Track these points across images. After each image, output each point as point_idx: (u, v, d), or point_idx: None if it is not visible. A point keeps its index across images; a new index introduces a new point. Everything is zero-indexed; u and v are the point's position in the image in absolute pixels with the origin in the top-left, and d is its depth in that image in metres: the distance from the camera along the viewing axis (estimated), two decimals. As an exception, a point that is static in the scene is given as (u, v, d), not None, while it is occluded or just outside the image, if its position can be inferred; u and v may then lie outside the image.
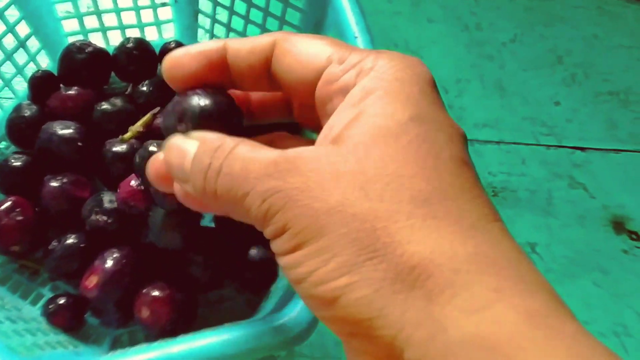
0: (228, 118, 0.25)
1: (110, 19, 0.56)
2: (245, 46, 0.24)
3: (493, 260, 0.18)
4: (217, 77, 0.25)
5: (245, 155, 0.20)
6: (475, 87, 0.65)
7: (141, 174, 0.41)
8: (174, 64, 0.25)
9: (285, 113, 0.28)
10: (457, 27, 0.70)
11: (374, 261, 0.18)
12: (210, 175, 0.21)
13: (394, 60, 0.21)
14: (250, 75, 0.25)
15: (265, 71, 0.24)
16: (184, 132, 0.24)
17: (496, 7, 0.72)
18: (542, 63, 0.68)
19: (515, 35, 0.70)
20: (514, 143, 0.61)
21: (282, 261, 0.20)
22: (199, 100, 0.24)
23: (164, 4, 0.57)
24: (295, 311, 0.30)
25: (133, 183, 0.41)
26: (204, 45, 0.25)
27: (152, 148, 0.40)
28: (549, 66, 0.67)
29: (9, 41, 0.50)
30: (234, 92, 0.27)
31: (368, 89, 0.21)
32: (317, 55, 0.23)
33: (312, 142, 0.24)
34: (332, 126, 0.21)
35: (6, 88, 0.51)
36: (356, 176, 0.19)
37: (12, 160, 0.46)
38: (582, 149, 0.61)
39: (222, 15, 0.54)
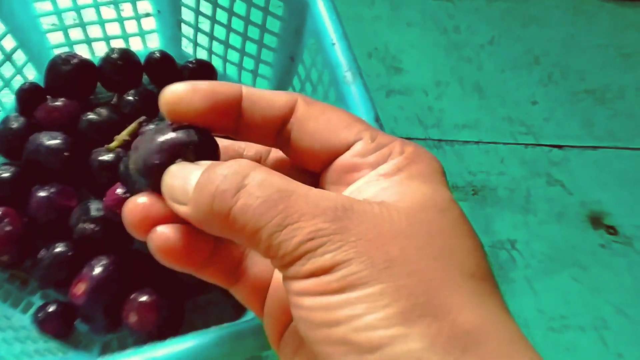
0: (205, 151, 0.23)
1: (95, 31, 0.57)
2: (264, 98, 0.24)
3: (526, 342, 0.19)
4: (225, 120, 0.24)
5: (281, 185, 0.20)
6: (455, 89, 0.66)
7: (126, 182, 0.42)
8: (177, 99, 0.23)
9: None
10: (436, 31, 0.71)
11: (428, 319, 0.18)
12: (225, 189, 0.20)
13: (419, 149, 0.23)
14: (262, 127, 0.24)
15: (278, 127, 0.24)
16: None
17: (474, 10, 0.74)
18: (520, 64, 0.69)
19: (492, 38, 0.71)
20: (493, 143, 0.62)
21: (312, 301, 0.19)
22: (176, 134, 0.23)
23: (147, 15, 0.58)
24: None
25: (119, 191, 0.42)
26: (217, 85, 0.23)
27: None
28: (527, 67, 0.69)
29: (-5, 55, 0.51)
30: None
31: (400, 167, 0.22)
32: (346, 127, 0.23)
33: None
34: (360, 189, 0.22)
35: (-7, 101, 0.52)
36: (412, 238, 0.20)
37: (1, 172, 0.46)
38: (559, 146, 0.62)
39: (205, 24, 0.55)
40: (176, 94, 0.23)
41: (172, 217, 0.22)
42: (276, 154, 0.27)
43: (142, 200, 0.23)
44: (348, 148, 0.23)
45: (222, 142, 0.26)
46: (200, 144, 0.23)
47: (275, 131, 0.24)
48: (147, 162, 0.23)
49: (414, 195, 0.21)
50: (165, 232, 0.22)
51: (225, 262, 0.25)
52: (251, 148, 0.27)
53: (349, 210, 0.20)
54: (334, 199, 0.20)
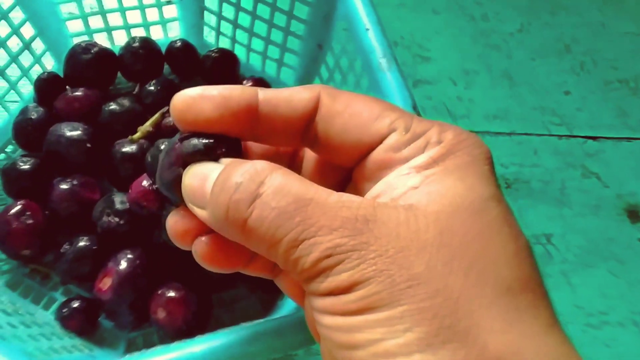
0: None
1: (115, 19, 0.55)
2: (283, 100, 0.22)
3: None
4: (240, 128, 0.22)
5: (299, 193, 0.19)
6: (484, 78, 0.64)
7: (152, 173, 0.41)
8: (189, 106, 0.21)
9: (287, 166, 0.27)
10: (463, 18, 0.69)
11: (454, 344, 0.16)
12: (239, 198, 0.19)
13: (461, 135, 0.21)
14: (284, 129, 0.22)
15: (302, 127, 0.22)
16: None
17: (501, -4, 0.72)
18: (550, 52, 0.67)
19: (521, 25, 0.69)
20: (525, 134, 0.60)
21: (332, 320, 0.18)
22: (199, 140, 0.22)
23: (169, 2, 0.56)
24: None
25: (145, 183, 0.41)
26: (228, 90, 0.22)
27: (163, 147, 0.39)
28: (557, 55, 0.67)
29: (14, 43, 0.49)
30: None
31: (437, 159, 0.20)
32: (377, 119, 0.21)
33: None
34: (390, 184, 0.20)
35: (12, 91, 0.51)
36: (440, 249, 0.18)
37: (20, 164, 0.45)
38: (593, 138, 0.61)
39: (229, 11, 0.54)
40: (185, 101, 0.22)
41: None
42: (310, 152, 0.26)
43: (180, 213, 0.23)
44: (381, 141, 0.21)
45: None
46: (207, 149, 0.21)
47: (299, 133, 0.23)
48: (163, 178, 0.23)
49: (446, 196, 0.19)
50: (206, 242, 0.23)
51: (265, 258, 0.23)
52: None
53: (370, 221, 0.18)
54: (355, 207, 0.18)
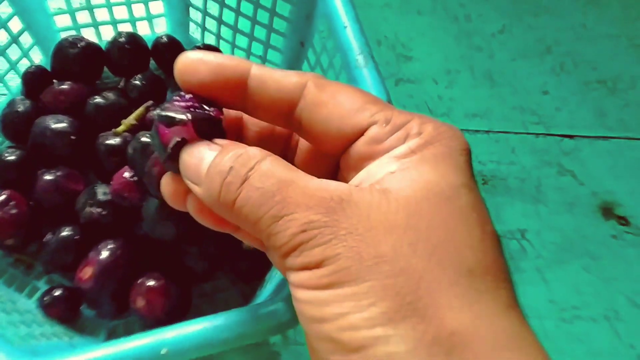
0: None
1: (102, 14, 0.56)
2: (273, 79, 0.23)
3: (526, 342, 0.18)
4: (230, 97, 0.23)
5: (282, 175, 0.20)
6: (465, 78, 0.65)
7: (134, 165, 0.41)
8: (188, 67, 0.23)
9: (281, 149, 0.28)
10: (446, 19, 0.70)
11: (414, 320, 0.17)
12: (231, 181, 0.20)
13: (440, 127, 0.21)
14: (270, 110, 0.24)
15: (287, 111, 0.23)
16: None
17: (484, -2, 0.73)
18: (531, 53, 0.68)
19: (503, 26, 0.70)
20: (504, 132, 0.61)
21: (305, 294, 0.19)
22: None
23: (155, -1, 0.57)
24: (288, 296, 0.30)
25: (126, 175, 0.42)
26: (225, 59, 0.23)
27: (144, 139, 0.40)
28: (538, 56, 0.68)
29: (2, 37, 0.50)
30: (229, 113, 0.26)
31: (415, 149, 0.21)
32: (359, 111, 0.22)
33: None
34: (370, 172, 0.21)
35: (0, 84, 0.51)
36: (407, 231, 0.19)
37: (6, 155, 0.46)
38: (570, 136, 0.62)
39: (214, 8, 0.54)
40: (185, 62, 0.23)
41: None
42: None
43: (172, 175, 0.24)
44: (362, 133, 0.22)
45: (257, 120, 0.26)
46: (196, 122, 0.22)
47: (283, 114, 0.24)
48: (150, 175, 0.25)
49: (418, 182, 0.20)
50: (198, 201, 0.23)
51: None
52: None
53: (344, 200, 0.19)
54: (332, 189, 0.20)
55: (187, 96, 0.23)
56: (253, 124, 0.27)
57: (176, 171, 0.23)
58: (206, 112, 0.23)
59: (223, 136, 0.23)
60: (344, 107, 0.22)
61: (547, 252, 0.54)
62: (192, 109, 0.23)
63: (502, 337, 0.18)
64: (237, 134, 0.27)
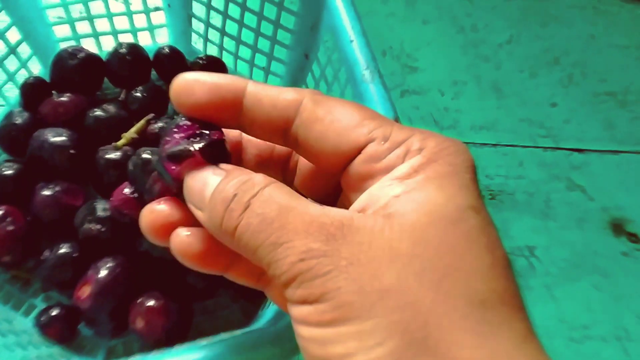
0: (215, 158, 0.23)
1: (102, 24, 0.55)
2: (268, 97, 0.22)
3: None
4: (225, 115, 0.23)
5: (283, 202, 0.19)
6: (472, 89, 0.64)
7: (135, 181, 0.40)
8: (183, 89, 0.22)
9: (281, 171, 0.27)
10: (453, 28, 0.69)
11: (425, 359, 0.16)
12: (233, 208, 0.20)
13: (444, 142, 0.20)
14: (266, 127, 0.23)
15: (283, 129, 0.22)
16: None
17: (491, 7, 0.72)
18: (539, 64, 0.67)
19: (511, 36, 0.69)
20: (511, 145, 0.60)
21: (307, 331, 0.18)
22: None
23: (157, 9, 0.56)
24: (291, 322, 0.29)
25: (126, 191, 0.41)
26: (221, 79, 0.22)
27: (145, 155, 0.39)
28: (546, 67, 0.67)
29: (0, 47, 0.49)
30: (227, 135, 0.25)
31: (417, 168, 0.20)
32: (356, 127, 0.21)
33: None
34: (373, 196, 0.20)
35: (-3, 95, 0.51)
36: (412, 260, 0.18)
37: (3, 169, 0.45)
38: (580, 150, 0.61)
39: (216, 19, 0.54)
40: (181, 84, 0.22)
41: (191, 222, 0.22)
42: None
43: (160, 207, 0.23)
44: (359, 151, 0.21)
45: (255, 141, 0.26)
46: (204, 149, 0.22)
47: (280, 132, 0.23)
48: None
49: (424, 205, 0.19)
50: (186, 236, 0.22)
51: (251, 265, 0.24)
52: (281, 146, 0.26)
53: (345, 226, 0.18)
54: (333, 215, 0.19)
55: (185, 123, 0.22)
56: (252, 146, 0.26)
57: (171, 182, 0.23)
58: (209, 137, 0.22)
59: (228, 157, 0.23)
60: (341, 124, 0.21)
61: (556, 269, 0.53)
62: (194, 137, 0.22)
63: None
64: (237, 156, 0.26)
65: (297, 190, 0.22)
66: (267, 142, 0.26)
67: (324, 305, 0.18)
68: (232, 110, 0.22)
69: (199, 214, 0.21)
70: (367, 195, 0.20)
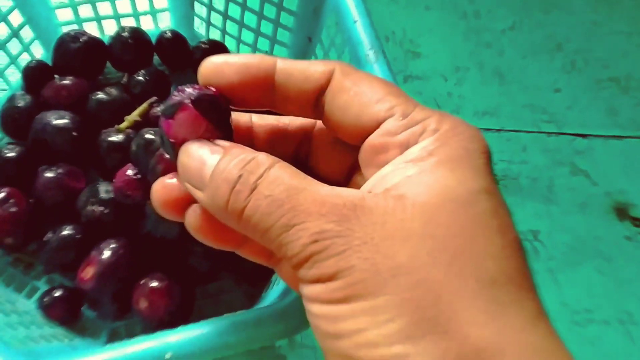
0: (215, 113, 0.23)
1: (105, 8, 0.55)
2: (298, 70, 0.23)
3: (556, 355, 0.17)
4: (258, 94, 0.23)
5: (292, 183, 0.19)
6: (474, 75, 0.64)
7: (138, 162, 0.40)
8: (212, 71, 0.23)
9: (293, 152, 0.27)
10: (455, 15, 0.69)
11: (435, 336, 0.16)
12: (240, 189, 0.19)
13: (459, 127, 0.20)
14: (298, 100, 0.23)
15: (314, 100, 0.23)
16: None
17: (494, -6, 0.72)
18: (541, 50, 0.67)
19: (513, 23, 0.69)
20: (515, 131, 0.60)
21: (319, 309, 0.18)
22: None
23: (159, -8, 0.56)
24: (295, 300, 0.29)
25: (129, 172, 0.41)
26: (249, 58, 0.23)
27: (148, 136, 0.39)
28: (548, 53, 0.67)
29: (2, 31, 0.49)
30: (239, 120, 0.26)
31: (431, 151, 0.20)
32: (378, 102, 0.21)
33: None
34: (385, 177, 0.20)
35: (-1, 78, 0.50)
36: (425, 239, 0.18)
37: (6, 151, 0.45)
38: (583, 135, 0.60)
39: (219, 3, 0.53)
40: (211, 66, 0.23)
41: None
42: (322, 126, 0.26)
43: (171, 181, 0.23)
44: (378, 125, 0.21)
45: (267, 120, 0.26)
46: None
47: (311, 103, 0.23)
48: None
49: (435, 188, 0.19)
50: (197, 212, 0.23)
51: None
52: (295, 122, 0.26)
53: (358, 207, 0.18)
54: (344, 195, 0.19)
55: (185, 86, 0.22)
56: (263, 130, 0.26)
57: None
58: (204, 91, 0.22)
59: (225, 115, 0.23)
60: (365, 96, 0.21)
61: (559, 254, 0.53)
62: (191, 93, 0.22)
63: (530, 352, 0.17)
64: (249, 142, 0.26)
65: (311, 171, 0.22)
66: (279, 125, 0.26)
67: (336, 283, 0.18)
68: (263, 88, 0.23)
69: (197, 194, 0.21)
70: (378, 177, 0.21)
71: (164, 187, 0.23)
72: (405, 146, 0.20)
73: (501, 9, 0.70)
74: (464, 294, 0.17)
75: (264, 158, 0.20)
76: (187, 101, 0.22)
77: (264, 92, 0.23)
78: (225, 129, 0.23)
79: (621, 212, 0.56)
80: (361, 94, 0.22)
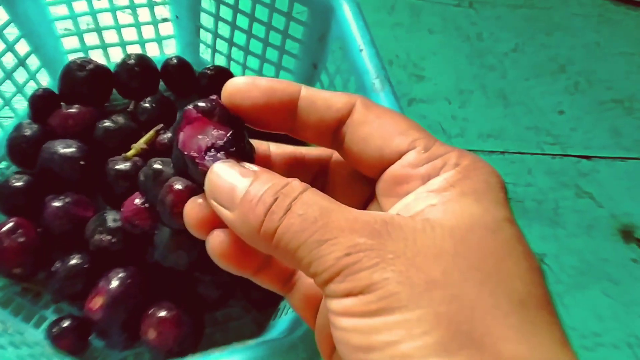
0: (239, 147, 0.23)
1: (110, 36, 0.56)
2: (322, 99, 0.23)
3: None
4: (280, 117, 0.24)
5: (324, 204, 0.20)
6: (478, 98, 0.64)
7: (146, 192, 0.40)
8: (239, 91, 0.23)
9: (308, 181, 0.28)
10: (458, 38, 0.69)
11: (470, 350, 0.16)
12: (274, 210, 0.20)
13: (478, 162, 0.21)
14: (318, 128, 0.24)
15: (334, 129, 0.24)
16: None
17: (496, 17, 0.72)
18: (544, 72, 0.67)
19: (516, 45, 0.69)
20: (519, 153, 0.60)
21: (349, 322, 0.18)
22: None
23: (165, 20, 0.56)
24: (306, 332, 0.29)
25: (137, 201, 0.41)
26: (276, 82, 0.24)
27: (156, 166, 0.39)
28: (551, 75, 0.67)
29: (9, 60, 0.49)
30: (259, 148, 0.26)
31: (453, 182, 0.20)
32: (401, 135, 0.22)
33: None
34: (408, 205, 0.21)
35: (6, 107, 0.51)
36: (456, 258, 0.18)
37: (13, 181, 0.45)
38: (587, 157, 0.61)
39: (224, 30, 0.54)
40: (237, 86, 0.24)
41: None
42: (339, 158, 0.27)
43: (201, 200, 0.24)
44: (400, 157, 0.22)
45: (285, 149, 0.27)
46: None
47: (330, 132, 0.24)
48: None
49: (462, 215, 0.19)
50: (221, 236, 0.23)
51: (280, 268, 0.25)
52: (312, 153, 0.27)
53: (388, 224, 0.19)
54: (375, 215, 0.19)
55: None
56: (280, 158, 0.27)
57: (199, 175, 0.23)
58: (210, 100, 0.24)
59: (238, 122, 0.24)
60: (387, 129, 0.22)
61: (567, 277, 0.53)
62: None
63: None
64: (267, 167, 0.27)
65: None
66: (296, 154, 0.27)
67: (369, 296, 0.18)
68: (286, 112, 0.23)
69: (225, 213, 0.21)
70: (401, 205, 0.21)
71: (196, 206, 0.24)
72: (426, 178, 0.21)
73: (503, 31, 0.70)
74: (497, 312, 0.17)
75: (297, 183, 0.20)
76: (190, 107, 0.23)
77: (286, 116, 0.24)
78: (241, 140, 0.23)
79: (627, 234, 0.56)
80: (383, 126, 0.22)
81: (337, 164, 0.27)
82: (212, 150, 0.23)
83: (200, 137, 0.23)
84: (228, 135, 0.23)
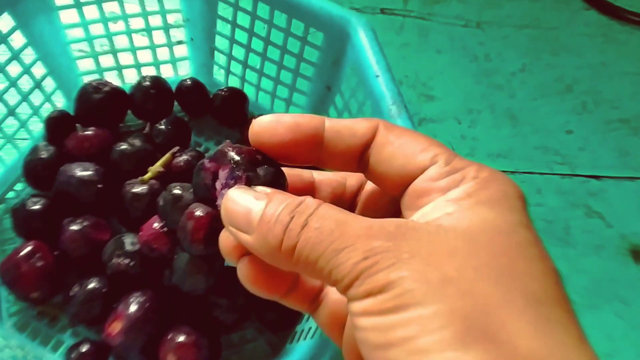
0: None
1: (125, 58, 0.56)
2: (346, 127, 0.24)
3: None
4: (307, 150, 0.25)
5: (339, 216, 0.20)
6: (487, 117, 0.65)
7: (165, 217, 0.41)
8: (265, 129, 0.24)
9: (346, 206, 0.28)
10: (466, 58, 0.70)
11: (486, 345, 0.17)
12: (292, 228, 0.21)
13: (497, 174, 0.22)
14: (344, 156, 0.24)
15: (360, 154, 0.24)
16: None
17: (503, 37, 0.73)
18: (552, 92, 0.68)
19: (523, 65, 0.70)
20: (529, 172, 0.61)
21: (368, 321, 0.19)
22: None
23: (180, 42, 0.57)
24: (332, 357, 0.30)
25: (156, 225, 0.41)
26: (300, 117, 0.24)
27: (176, 191, 0.40)
28: (559, 95, 0.68)
29: (25, 82, 0.50)
30: (302, 176, 0.28)
31: (470, 193, 0.21)
32: (422, 152, 0.23)
33: None
34: (425, 213, 0.21)
35: (22, 129, 0.51)
36: (470, 257, 0.19)
37: (30, 204, 0.45)
38: (596, 177, 0.61)
39: (239, 52, 0.54)
40: (262, 125, 0.24)
41: None
42: (370, 186, 0.28)
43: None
44: (422, 172, 0.23)
45: (328, 176, 0.28)
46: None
47: (357, 158, 0.25)
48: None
49: (475, 219, 0.20)
50: (251, 263, 0.24)
51: (308, 289, 0.26)
52: (352, 178, 0.28)
53: (402, 226, 0.20)
54: (389, 220, 0.20)
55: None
56: (325, 185, 0.28)
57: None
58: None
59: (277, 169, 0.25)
60: (409, 147, 0.23)
61: (578, 297, 0.53)
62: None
63: None
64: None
65: None
66: (340, 180, 0.28)
67: (387, 294, 0.18)
68: (312, 145, 0.24)
69: (243, 237, 0.22)
70: (420, 213, 0.22)
71: (228, 237, 0.25)
72: (446, 190, 0.22)
73: (510, 51, 0.71)
74: (512, 307, 0.17)
75: (311, 200, 0.21)
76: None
77: (312, 149, 0.24)
78: (252, 167, 0.24)
79: (637, 254, 0.56)
80: (405, 145, 0.23)
81: (367, 187, 0.28)
82: (225, 180, 0.24)
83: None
84: (232, 164, 0.24)
